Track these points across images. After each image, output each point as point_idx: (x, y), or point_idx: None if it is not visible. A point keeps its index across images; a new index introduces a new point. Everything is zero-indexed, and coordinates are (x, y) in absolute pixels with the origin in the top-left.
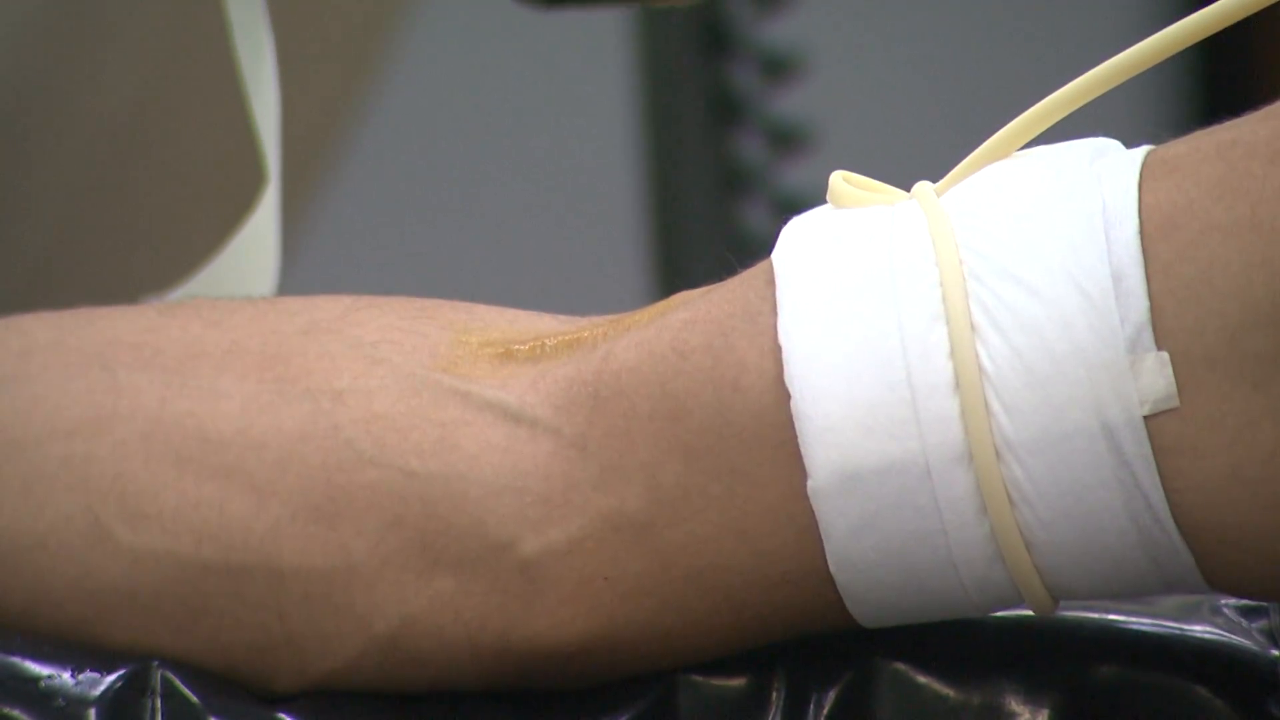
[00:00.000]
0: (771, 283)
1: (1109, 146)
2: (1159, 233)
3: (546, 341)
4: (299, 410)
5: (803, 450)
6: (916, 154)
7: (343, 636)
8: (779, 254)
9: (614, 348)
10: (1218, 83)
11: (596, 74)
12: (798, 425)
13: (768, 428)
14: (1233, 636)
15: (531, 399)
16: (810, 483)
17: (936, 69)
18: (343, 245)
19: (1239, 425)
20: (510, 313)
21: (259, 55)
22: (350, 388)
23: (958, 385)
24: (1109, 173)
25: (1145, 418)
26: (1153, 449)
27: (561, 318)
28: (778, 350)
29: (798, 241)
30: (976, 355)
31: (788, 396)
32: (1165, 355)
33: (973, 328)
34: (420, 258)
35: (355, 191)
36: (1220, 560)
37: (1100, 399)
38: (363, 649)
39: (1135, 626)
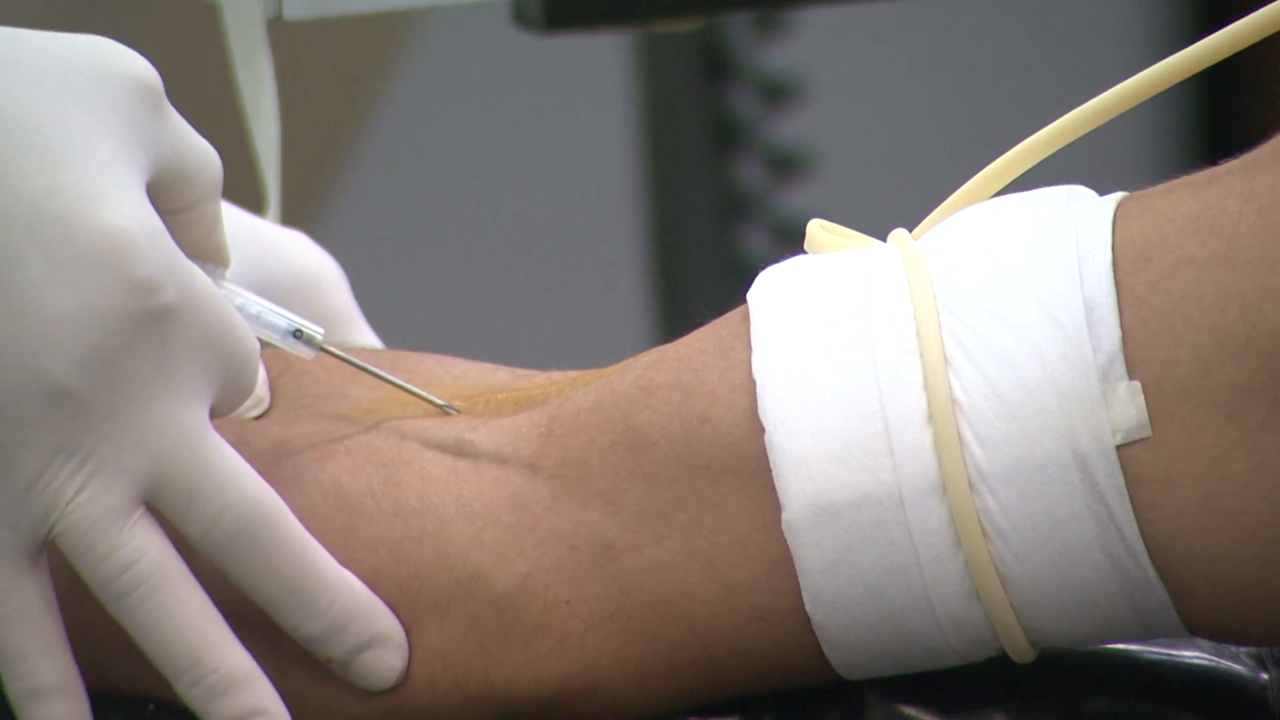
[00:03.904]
0: (745, 321)
1: (1084, 193)
2: (1132, 265)
3: (495, 396)
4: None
5: (777, 483)
6: (915, 178)
7: (341, 699)
8: (754, 293)
9: (573, 394)
10: (1208, 128)
11: (597, 99)
12: (771, 458)
13: (738, 459)
14: (1222, 661)
15: (471, 436)
16: (784, 515)
17: (934, 94)
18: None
19: (1212, 456)
20: (460, 366)
21: (260, 84)
22: (293, 433)
23: (931, 416)
24: (1084, 211)
25: (1118, 447)
26: (1125, 479)
27: (519, 372)
28: (750, 384)
29: (773, 281)
30: (949, 386)
31: (759, 429)
32: (1137, 384)
33: (945, 359)
34: (419, 286)
35: (355, 216)
36: (1195, 597)
37: (1073, 428)
38: (360, 714)
39: (1125, 653)
